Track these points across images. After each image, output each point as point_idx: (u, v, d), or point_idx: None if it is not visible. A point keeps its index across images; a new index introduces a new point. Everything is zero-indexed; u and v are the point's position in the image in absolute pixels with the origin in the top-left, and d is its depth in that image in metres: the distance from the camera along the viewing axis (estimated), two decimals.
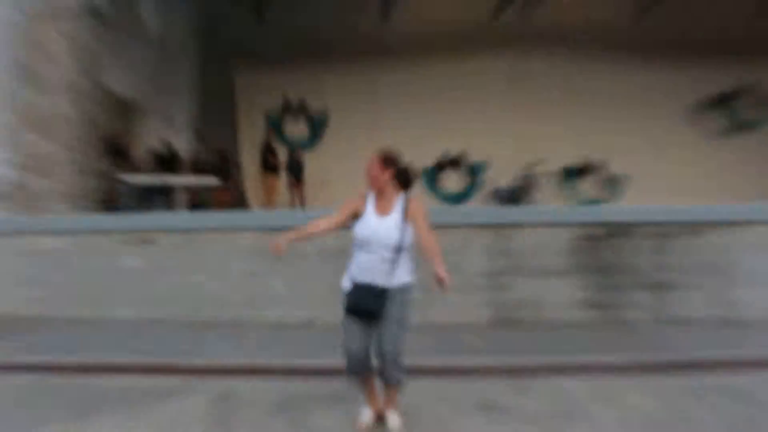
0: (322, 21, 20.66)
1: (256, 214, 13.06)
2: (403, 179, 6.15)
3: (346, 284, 6.19)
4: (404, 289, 6.08)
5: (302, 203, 18.45)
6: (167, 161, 17.74)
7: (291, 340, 10.34)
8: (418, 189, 20.47)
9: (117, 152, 16.69)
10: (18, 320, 11.96)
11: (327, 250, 11.69)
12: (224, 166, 18.35)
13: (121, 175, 16.16)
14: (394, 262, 6.03)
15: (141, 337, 10.61)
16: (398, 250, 6.03)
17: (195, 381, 7.71)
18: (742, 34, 19.89)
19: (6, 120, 14.93)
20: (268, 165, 18.71)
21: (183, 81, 20.78)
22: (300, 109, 21.66)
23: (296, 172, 18.68)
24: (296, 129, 21.45)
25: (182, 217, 13.32)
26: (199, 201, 17.54)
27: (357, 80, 21.30)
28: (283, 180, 18.86)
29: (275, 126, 21.26)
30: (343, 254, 11.53)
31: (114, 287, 12.24)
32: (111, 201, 16.58)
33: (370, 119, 20.97)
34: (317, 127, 21.28)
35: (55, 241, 12.55)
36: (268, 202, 18.64)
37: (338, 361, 8.43)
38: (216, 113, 21.71)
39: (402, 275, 6.11)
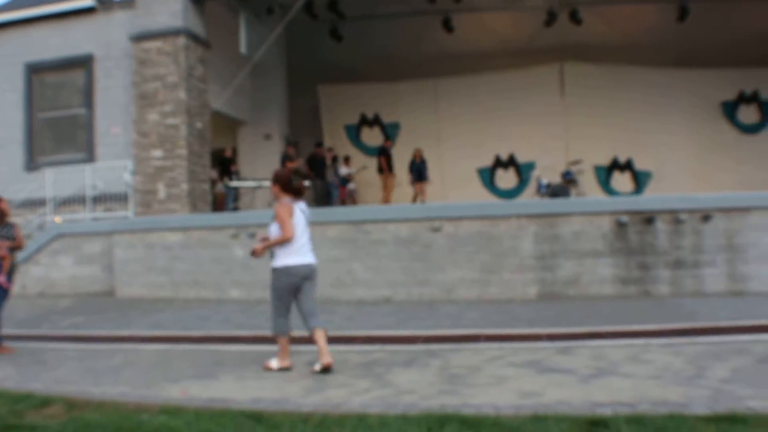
0: (391, 41, 20.94)
1: (339, 210, 13.44)
2: (289, 189, 6.88)
3: None
4: (273, 271, 6.76)
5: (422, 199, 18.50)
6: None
7: (371, 314, 10.67)
8: (478, 186, 20.74)
9: (222, 161, 17.24)
10: (150, 300, 12.58)
11: (401, 238, 12.03)
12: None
13: (226, 180, 16.71)
14: (274, 250, 6.78)
15: (249, 314, 11.07)
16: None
17: (296, 348, 8.06)
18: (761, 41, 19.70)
19: (131, 138, 15.65)
20: (382, 167, 18.86)
21: (275, 98, 21.26)
22: (374, 121, 21.97)
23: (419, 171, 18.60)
24: (371, 137, 21.79)
25: None
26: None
27: (422, 92, 21.47)
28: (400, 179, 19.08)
29: (353, 135, 21.62)
30: (415, 242, 11.92)
31: (225, 273, 12.76)
32: (218, 202, 17.20)
33: (434, 126, 21.17)
34: (390, 135, 21.54)
35: (177, 236, 13.11)
36: (386, 199, 18.83)
37: (413, 330, 8.80)
38: (303, 125, 22.17)
39: (275, 261, 6.76)
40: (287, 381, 6.37)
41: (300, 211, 6.85)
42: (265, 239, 6.93)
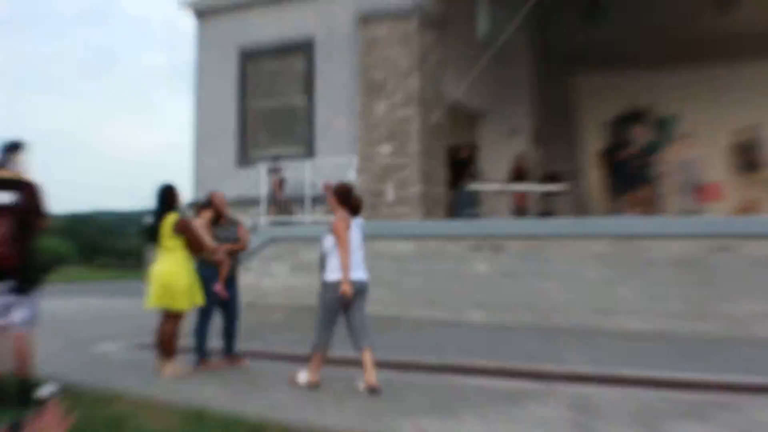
0: (659, 20, 20.13)
1: (603, 222, 12.89)
2: (347, 204, 7.73)
3: None
4: (323, 284, 7.65)
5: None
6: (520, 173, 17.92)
7: (641, 349, 10.21)
8: None
9: (459, 162, 17.14)
10: (372, 318, 12.64)
11: (681, 259, 11.35)
12: None
13: (465, 184, 16.54)
14: (325, 262, 7.68)
15: (493, 341, 10.91)
16: (324, 253, 7.68)
17: (550, 386, 7.77)
18: None
19: (356, 131, 15.90)
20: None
21: (521, 88, 21.10)
22: (646, 114, 21.21)
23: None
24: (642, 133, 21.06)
25: (531, 224, 13.46)
26: (547, 208, 17.53)
27: (696, 81, 20.68)
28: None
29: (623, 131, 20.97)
30: (698, 263, 11.21)
31: (464, 291, 12.65)
32: (452, 207, 17.11)
33: (718, 122, 20.13)
34: (666, 130, 20.72)
35: (407, 245, 13.16)
36: (749, 208, 17.48)
37: (696, 373, 8.23)
38: (553, 119, 21.83)
39: (327, 274, 7.62)
40: (543, 426, 6.12)
41: (356, 227, 7.75)
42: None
